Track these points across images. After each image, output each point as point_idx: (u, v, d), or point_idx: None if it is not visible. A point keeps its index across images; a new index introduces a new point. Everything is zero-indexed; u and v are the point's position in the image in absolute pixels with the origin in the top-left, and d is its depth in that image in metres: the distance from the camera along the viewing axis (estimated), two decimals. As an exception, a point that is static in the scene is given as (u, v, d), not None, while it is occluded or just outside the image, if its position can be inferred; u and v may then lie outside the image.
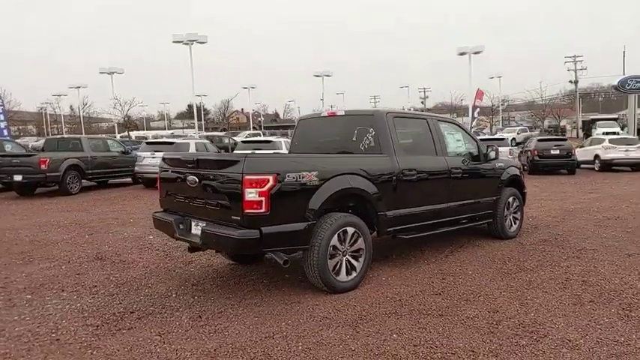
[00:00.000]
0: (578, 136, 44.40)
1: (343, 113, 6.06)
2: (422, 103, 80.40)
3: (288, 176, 4.40)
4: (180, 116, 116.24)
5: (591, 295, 4.67)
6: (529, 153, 20.12)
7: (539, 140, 21.12)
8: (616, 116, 42.81)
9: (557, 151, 19.49)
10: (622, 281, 5.09)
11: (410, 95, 77.75)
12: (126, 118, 44.36)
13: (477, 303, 4.53)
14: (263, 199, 4.22)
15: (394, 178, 5.38)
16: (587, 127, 40.78)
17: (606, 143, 20.50)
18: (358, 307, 4.48)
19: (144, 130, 63.42)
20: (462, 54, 32.53)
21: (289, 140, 22.44)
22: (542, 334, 3.80)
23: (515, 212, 7.40)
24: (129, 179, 17.26)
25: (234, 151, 16.59)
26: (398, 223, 5.47)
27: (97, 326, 4.12)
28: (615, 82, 37.79)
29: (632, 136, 24.09)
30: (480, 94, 28.30)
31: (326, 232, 4.66)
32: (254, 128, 61.09)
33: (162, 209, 5.53)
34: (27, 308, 4.64)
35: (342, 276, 4.87)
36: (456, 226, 6.36)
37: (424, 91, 78.88)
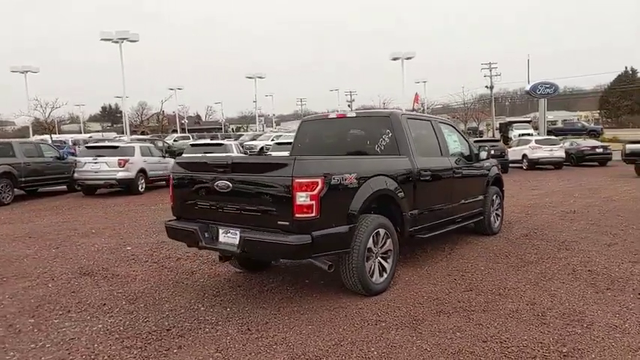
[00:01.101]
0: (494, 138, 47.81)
1: (354, 115, 6.04)
2: (348, 106, 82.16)
3: (334, 179, 4.30)
4: (94, 119, 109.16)
5: (604, 284, 5.03)
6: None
7: (475, 142, 22.42)
8: (529, 119, 46.59)
9: (492, 152, 20.79)
10: (620, 269, 5.54)
11: (339, 98, 79.25)
12: (48, 121, 40.79)
13: (510, 297, 4.70)
14: (314, 202, 4.08)
15: (413, 178, 5.45)
16: (505, 129, 43.98)
17: (533, 144, 22.29)
18: (402, 307, 4.48)
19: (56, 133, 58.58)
20: (395, 59, 33.78)
21: (237, 143, 21.98)
22: (588, 321, 4.03)
23: (497, 209, 7.80)
24: (64, 187, 15.91)
25: (184, 155, 15.85)
26: (417, 223, 5.55)
27: (141, 348, 3.74)
28: (527, 88, 41.20)
29: (554, 137, 26.35)
30: (417, 98, 29.55)
31: (364, 235, 4.61)
32: (174, 131, 58.70)
33: (175, 217, 5.16)
34: (38, 334, 4.11)
35: (376, 278, 4.84)
36: (457, 225, 6.57)
37: (350, 94, 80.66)
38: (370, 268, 4.76)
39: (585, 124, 50.70)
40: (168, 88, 59.45)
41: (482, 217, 7.25)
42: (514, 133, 41.11)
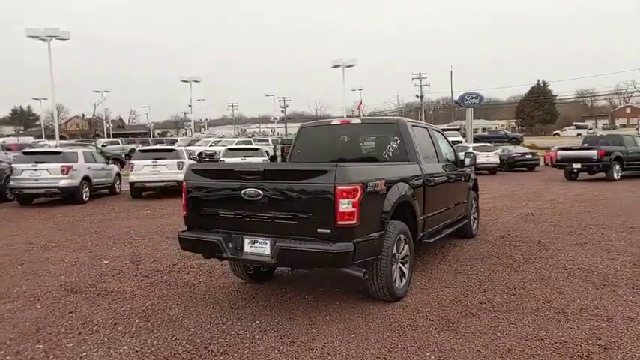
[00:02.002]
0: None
1: (359, 122, 6.07)
2: (282, 112, 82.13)
3: (369, 185, 4.30)
4: (3, 122, 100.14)
5: (599, 280, 5.43)
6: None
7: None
8: (458, 127, 49.22)
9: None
10: (605, 266, 6.01)
11: (275, 103, 79.01)
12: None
13: (525, 296, 4.94)
14: (355, 209, 4.05)
15: (423, 184, 5.58)
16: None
17: (469, 150, 23.57)
18: (432, 311, 4.56)
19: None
20: (336, 66, 34.33)
21: (184, 148, 21.13)
22: (606, 315, 4.33)
23: (474, 213, 8.18)
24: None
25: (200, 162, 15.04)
26: (425, 228, 5.68)
27: (187, 368, 3.51)
28: (456, 98, 43.60)
29: (489, 144, 28.01)
30: (360, 104, 30.21)
31: (390, 241, 4.65)
32: (97, 136, 55.23)
33: (187, 228, 4.90)
34: (57, 360, 3.72)
35: (398, 283, 4.89)
36: (451, 229, 6.80)
37: (284, 100, 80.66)
38: (394, 273, 4.80)
39: (507, 132, 54.45)
40: (94, 90, 55.87)
41: (466, 221, 7.56)
42: (443, 141, 43.22)
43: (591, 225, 8.83)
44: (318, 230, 4.10)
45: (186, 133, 69.34)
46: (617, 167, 17.89)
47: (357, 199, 4.06)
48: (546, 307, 4.61)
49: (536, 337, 3.92)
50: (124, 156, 31.62)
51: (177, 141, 42.14)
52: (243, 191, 4.40)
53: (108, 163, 16.75)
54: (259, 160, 17.76)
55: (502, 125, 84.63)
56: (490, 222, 9.48)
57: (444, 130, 50.20)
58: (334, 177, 4.02)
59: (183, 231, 4.90)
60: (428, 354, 3.65)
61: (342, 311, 4.61)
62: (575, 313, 4.43)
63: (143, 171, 14.68)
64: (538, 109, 74.82)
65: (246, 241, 4.50)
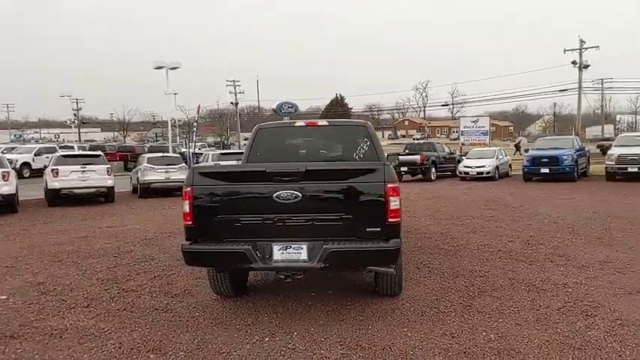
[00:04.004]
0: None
1: (327, 123, 6.10)
2: (74, 115, 72.82)
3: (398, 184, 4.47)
4: None
5: (593, 268, 6.12)
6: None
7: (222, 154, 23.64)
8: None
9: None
10: (581, 256, 7.17)
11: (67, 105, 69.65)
12: None
13: (490, 275, 5.72)
14: (400, 207, 4.18)
15: (393, 184, 5.95)
16: (256, 143, 47.25)
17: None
18: (439, 297, 4.96)
19: None
20: (158, 68, 32.14)
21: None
22: (596, 307, 4.60)
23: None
24: None
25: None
26: None
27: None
28: (274, 106, 45.39)
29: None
30: (198, 109, 28.79)
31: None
32: None
33: (192, 240, 4.28)
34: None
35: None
36: None
37: (77, 102, 71.64)
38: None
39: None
40: None
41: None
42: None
43: (462, 217, 10.46)
44: (367, 229, 4.10)
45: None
46: (434, 170, 21.25)
47: (400, 196, 4.20)
48: (547, 305, 4.70)
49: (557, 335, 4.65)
50: None
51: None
52: (276, 194, 4.10)
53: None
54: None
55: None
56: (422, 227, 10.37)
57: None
58: (384, 175, 4.09)
59: (190, 245, 4.26)
60: (491, 335, 4.02)
61: (368, 310, 4.68)
62: (574, 309, 4.56)
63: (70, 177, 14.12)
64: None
65: (276, 247, 4.19)
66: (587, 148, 21.81)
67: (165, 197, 16.92)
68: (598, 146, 31.68)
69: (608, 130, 57.41)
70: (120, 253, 7.72)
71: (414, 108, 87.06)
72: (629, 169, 16.34)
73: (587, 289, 5.15)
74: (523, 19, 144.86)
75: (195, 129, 28.26)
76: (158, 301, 5.18)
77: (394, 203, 4.12)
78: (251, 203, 4.21)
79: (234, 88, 59.07)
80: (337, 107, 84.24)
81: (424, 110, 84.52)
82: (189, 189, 4.26)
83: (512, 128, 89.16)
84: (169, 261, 7.04)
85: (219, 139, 60.76)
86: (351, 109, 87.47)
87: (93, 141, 55.66)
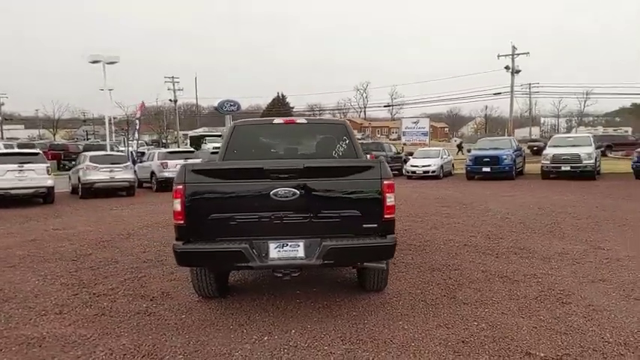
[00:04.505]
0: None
1: (305, 121, 6.07)
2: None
3: None
4: None
5: (554, 260, 6.49)
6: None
7: (212, 152, 23.09)
8: (220, 133, 50.14)
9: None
10: (539, 248, 7.65)
11: None
12: None
13: (496, 284, 5.84)
14: (394, 203, 4.27)
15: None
16: (197, 141, 45.94)
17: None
18: (423, 290, 5.11)
19: None
20: (95, 62, 30.36)
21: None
22: (568, 295, 4.93)
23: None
24: None
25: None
26: None
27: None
28: (216, 104, 44.46)
29: None
30: (141, 106, 27.46)
31: None
32: None
33: (183, 240, 4.13)
34: None
35: (385, 272, 5.25)
36: None
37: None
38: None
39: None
40: None
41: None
42: (207, 146, 43.61)
43: (419, 214, 10.81)
44: (364, 225, 4.15)
45: None
46: (382, 168, 21.71)
47: (394, 192, 4.29)
48: (533, 296, 4.95)
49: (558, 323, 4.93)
50: None
51: None
52: (273, 191, 4.05)
53: None
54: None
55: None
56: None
57: (205, 135, 50.31)
58: (380, 172, 4.16)
59: (184, 243, 4.10)
60: (459, 315, 4.21)
61: (363, 307, 4.71)
62: (552, 298, 4.96)
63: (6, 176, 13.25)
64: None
65: (272, 245, 4.14)
66: (522, 149, 23.24)
67: (109, 198, 16.13)
68: (529, 147, 33.86)
69: (535, 131, 61.47)
70: (78, 256, 7.27)
71: (354, 109, 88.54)
72: (563, 168, 17.60)
73: (554, 279, 5.52)
74: (460, 26, 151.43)
75: (137, 127, 27.04)
76: (137, 305, 4.95)
77: (390, 200, 4.20)
78: (247, 201, 4.12)
79: (173, 84, 57.31)
80: (279, 106, 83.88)
81: (364, 111, 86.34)
82: (180, 187, 4.10)
83: (447, 129, 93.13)
84: (135, 264, 6.74)
85: (156, 138, 58.52)
86: (293, 108, 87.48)
87: (17, 139, 51.75)
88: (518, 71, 36.44)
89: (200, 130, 68.35)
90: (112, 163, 16.28)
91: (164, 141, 58.35)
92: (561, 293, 4.97)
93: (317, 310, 4.63)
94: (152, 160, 18.89)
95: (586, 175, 17.41)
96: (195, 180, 4.12)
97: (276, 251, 4.15)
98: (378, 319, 4.33)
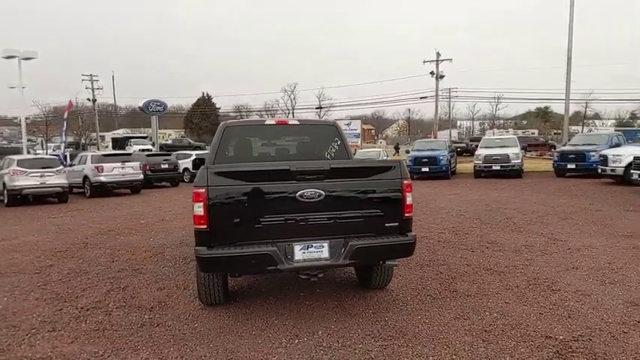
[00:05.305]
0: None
1: (298, 122, 6.03)
2: None
3: None
4: None
5: (525, 252, 7.16)
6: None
7: (148, 155, 21.98)
8: (146, 135, 47.82)
9: (167, 165, 21.19)
10: (503, 240, 8.05)
11: None
12: None
13: (485, 276, 6.20)
14: (412, 202, 4.41)
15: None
16: (121, 143, 43.53)
17: (194, 157, 23.95)
18: (426, 283, 5.31)
19: None
20: (9, 57, 27.59)
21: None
22: (553, 282, 5.44)
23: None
24: None
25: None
26: None
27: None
28: (141, 104, 42.55)
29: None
30: (69, 105, 25.25)
31: None
32: None
33: (207, 245, 3.97)
34: None
35: (385, 271, 5.39)
36: None
37: None
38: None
39: (191, 141, 56.22)
40: None
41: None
42: (133, 149, 41.55)
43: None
44: (386, 225, 4.25)
45: None
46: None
47: (412, 192, 4.43)
48: (526, 286, 6.01)
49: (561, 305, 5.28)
50: None
51: None
52: (299, 192, 4.02)
53: None
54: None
55: (170, 135, 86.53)
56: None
57: (129, 137, 47.90)
58: (400, 172, 4.28)
59: (209, 248, 3.94)
60: (470, 307, 4.46)
61: (374, 304, 4.81)
62: (542, 285, 5.94)
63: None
64: (205, 120, 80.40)
65: (297, 247, 4.11)
66: (453, 150, 24.64)
67: (40, 205, 14.90)
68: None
69: (454, 134, 65.27)
70: (39, 268, 6.69)
71: (282, 110, 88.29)
72: (494, 168, 18.92)
73: (534, 269, 5.97)
74: (389, 30, 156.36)
75: (65, 127, 25.09)
76: (137, 317, 4.67)
77: (409, 198, 4.34)
78: (273, 203, 4.05)
79: (92, 83, 53.91)
80: (204, 106, 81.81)
81: (293, 112, 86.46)
82: (203, 190, 3.93)
83: (374, 131, 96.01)
84: (109, 274, 6.32)
85: (73, 140, 54.52)
86: (219, 108, 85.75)
87: None
88: (442, 76, 38.58)
89: (120, 131, 64.72)
90: (43, 167, 15.02)
91: (84, 142, 54.64)
92: (547, 282, 5.40)
93: (332, 311, 4.65)
94: (84, 164, 17.66)
95: (514, 173, 18.85)
96: (219, 182, 3.97)
97: (301, 253, 4.12)
98: (396, 316, 4.45)
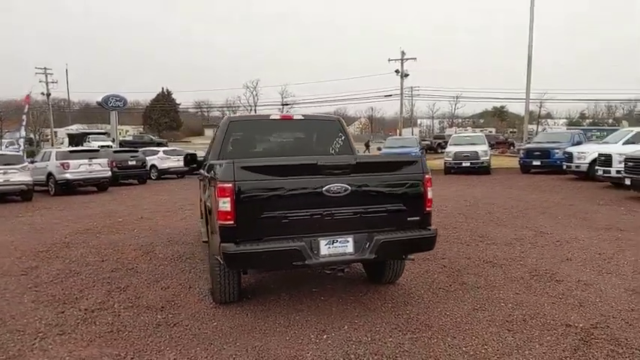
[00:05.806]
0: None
1: (302, 117, 5.97)
2: None
3: None
4: None
5: (503, 246, 7.44)
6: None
7: (115, 152, 21.20)
8: (105, 131, 46.06)
9: (134, 162, 20.53)
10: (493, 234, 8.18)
11: None
12: None
13: (487, 269, 6.37)
14: (432, 196, 4.45)
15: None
16: (79, 140, 41.79)
17: (161, 154, 23.34)
18: (436, 276, 5.39)
19: None
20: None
21: None
22: (554, 273, 5.64)
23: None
24: None
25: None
26: None
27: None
28: (99, 99, 41.03)
29: (179, 149, 27.73)
30: (27, 98, 23.82)
31: None
32: None
33: (233, 241, 3.86)
34: None
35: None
36: None
37: None
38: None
39: (153, 137, 54.59)
40: None
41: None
42: (92, 145, 40.01)
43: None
44: (409, 219, 4.27)
45: None
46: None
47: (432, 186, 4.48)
48: (528, 277, 6.17)
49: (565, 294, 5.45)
50: None
51: None
52: (325, 187, 3.99)
53: None
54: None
55: (127, 131, 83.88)
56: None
57: (87, 133, 46.13)
58: (422, 167, 4.31)
59: (237, 244, 3.83)
60: (484, 298, 4.58)
61: (391, 299, 4.83)
62: (543, 276, 6.13)
63: None
64: (165, 116, 78.38)
65: (322, 242, 4.08)
66: (423, 147, 25.11)
67: (3, 204, 14.12)
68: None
69: (415, 132, 66.52)
70: (25, 270, 6.33)
71: (244, 106, 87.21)
72: (464, 164, 19.42)
73: (532, 261, 6.17)
74: (353, 29, 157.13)
75: (24, 122, 23.79)
76: (149, 317, 4.50)
77: (430, 193, 4.38)
78: (300, 197, 3.99)
79: (46, 76, 51.47)
80: (163, 102, 79.71)
81: (255, 109, 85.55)
82: (229, 185, 3.82)
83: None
84: (102, 274, 6.07)
85: (26, 136, 51.79)
86: (179, 104, 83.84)
87: None
88: (407, 75, 39.24)
89: (74, 127, 62.07)
90: (6, 164, 14.21)
91: (38, 139, 52.08)
92: (548, 272, 5.60)
93: (351, 306, 4.64)
94: (48, 160, 16.84)
95: (483, 170, 19.42)
96: (246, 177, 3.87)
97: (327, 248, 4.09)
98: (416, 309, 4.49)
